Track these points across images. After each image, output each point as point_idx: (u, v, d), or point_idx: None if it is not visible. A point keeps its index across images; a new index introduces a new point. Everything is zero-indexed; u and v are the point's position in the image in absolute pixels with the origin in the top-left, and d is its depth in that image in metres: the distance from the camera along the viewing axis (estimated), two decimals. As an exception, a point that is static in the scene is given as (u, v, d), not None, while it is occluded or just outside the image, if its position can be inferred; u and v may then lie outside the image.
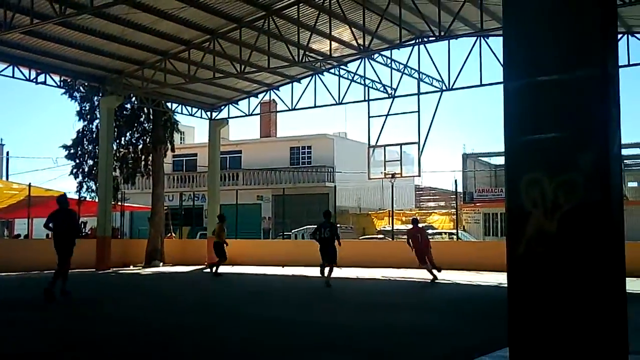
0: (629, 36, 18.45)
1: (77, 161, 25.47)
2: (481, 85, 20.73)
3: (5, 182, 29.11)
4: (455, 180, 25.20)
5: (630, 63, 18.50)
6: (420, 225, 17.21)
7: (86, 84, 23.87)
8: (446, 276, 17.63)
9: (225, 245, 18.11)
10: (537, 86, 3.27)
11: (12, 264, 19.77)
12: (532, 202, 3.15)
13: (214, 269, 18.16)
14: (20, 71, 20.93)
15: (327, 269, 14.37)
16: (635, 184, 42.45)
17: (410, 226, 16.71)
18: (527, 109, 3.31)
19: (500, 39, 3.47)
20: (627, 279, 3.10)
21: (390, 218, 25.97)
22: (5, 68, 20.54)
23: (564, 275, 3.04)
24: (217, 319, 9.37)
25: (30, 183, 23.63)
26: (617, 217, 3.05)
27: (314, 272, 19.16)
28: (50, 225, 11.87)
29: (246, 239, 27.44)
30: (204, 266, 23.73)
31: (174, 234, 29.90)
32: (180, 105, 25.91)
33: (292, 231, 29.70)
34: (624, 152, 32.76)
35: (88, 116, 25.34)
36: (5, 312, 10.03)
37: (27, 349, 6.69)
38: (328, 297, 12.63)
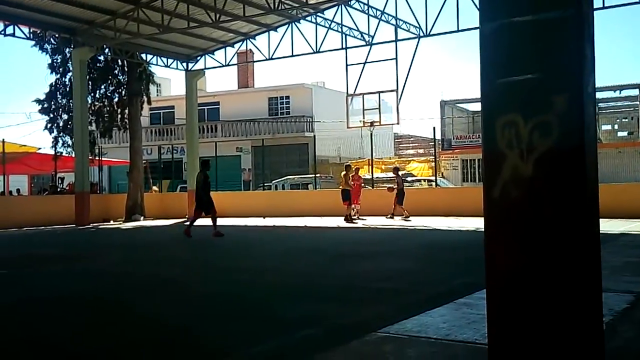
0: (605, -22, 18.28)
1: (51, 115, 25.04)
2: (458, 30, 20.51)
3: (-22, 139, 28.52)
4: (434, 128, 25.16)
5: (605, 5, 18.37)
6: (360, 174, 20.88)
7: (57, 35, 23.23)
8: (425, 222, 17.86)
9: (350, 190, 19.36)
10: (512, 27, 3.21)
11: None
12: (507, 144, 3.13)
13: (349, 216, 19.10)
14: (-12, 23, 20.30)
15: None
16: (608, 127, 42.87)
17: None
18: (502, 51, 3.25)
19: (476, -21, 3.39)
20: (600, 220, 3.13)
21: (370, 167, 26.04)
22: (-29, 20, 19.90)
23: (538, 217, 3.05)
24: (198, 270, 9.40)
25: (3, 139, 23.23)
26: (591, 158, 3.05)
27: (294, 222, 19.32)
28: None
29: (227, 191, 27.40)
30: (186, 219, 23.72)
31: (156, 188, 29.72)
32: (155, 57, 25.38)
33: (273, 182, 29.70)
34: (598, 95, 32.99)
35: (60, 69, 24.79)
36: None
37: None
38: (306, 247, 12.71)
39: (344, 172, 19.90)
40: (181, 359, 4.40)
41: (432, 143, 25.36)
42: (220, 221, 20.94)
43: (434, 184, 23.82)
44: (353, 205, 19.58)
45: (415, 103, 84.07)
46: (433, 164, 25.72)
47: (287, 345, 4.64)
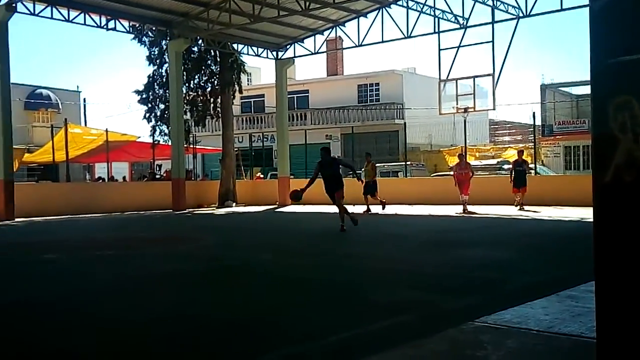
0: None
1: (149, 105, 26.05)
2: (562, 9, 19.52)
3: (84, 128, 30.20)
4: (534, 113, 24.06)
5: None
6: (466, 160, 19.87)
7: (154, 28, 24.13)
8: (524, 212, 17.25)
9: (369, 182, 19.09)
10: (625, 2, 3.00)
11: (94, 206, 20.78)
12: (620, 128, 2.95)
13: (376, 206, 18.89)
14: (91, 18, 21.34)
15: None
16: None
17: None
18: (614, 29, 3.06)
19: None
20: None
21: (464, 155, 25.41)
22: (77, 15, 20.96)
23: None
24: (288, 255, 9.53)
25: (107, 128, 24.47)
26: None
27: (386, 210, 19.22)
28: (319, 174, 13.25)
29: (317, 178, 27.54)
30: (277, 205, 24.15)
31: (260, 174, 30.54)
32: (246, 46, 25.89)
33: (362, 169, 29.61)
34: None
35: (157, 60, 25.74)
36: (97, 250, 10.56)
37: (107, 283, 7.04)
38: (398, 234, 12.60)
39: (365, 163, 19.66)
40: (270, 341, 4.45)
41: (531, 129, 24.44)
42: (307, 208, 21.24)
43: (533, 171, 22.85)
44: (462, 196, 17.92)
45: (512, 87, 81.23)
46: (532, 150, 24.77)
47: (380, 331, 4.59)
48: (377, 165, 29.58)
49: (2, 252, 11.00)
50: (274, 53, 26.43)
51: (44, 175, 29.53)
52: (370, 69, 44.66)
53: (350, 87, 39.32)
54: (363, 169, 19.98)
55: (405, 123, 28.08)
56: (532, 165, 22.45)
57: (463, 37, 21.80)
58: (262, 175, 30.34)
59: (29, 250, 10.95)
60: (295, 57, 26.65)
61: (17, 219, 18.10)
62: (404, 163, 26.44)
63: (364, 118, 37.20)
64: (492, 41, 20.88)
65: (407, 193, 23.04)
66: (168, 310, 5.60)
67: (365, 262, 8.35)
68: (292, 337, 4.55)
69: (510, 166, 20.16)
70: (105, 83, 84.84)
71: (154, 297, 6.25)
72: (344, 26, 24.85)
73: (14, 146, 19.72)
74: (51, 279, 7.62)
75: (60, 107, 37.05)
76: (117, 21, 22.16)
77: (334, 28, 25.07)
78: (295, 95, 38.72)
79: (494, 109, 23.57)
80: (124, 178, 31.12)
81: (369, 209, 18.75)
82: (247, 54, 26.25)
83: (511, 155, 31.04)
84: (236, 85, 26.31)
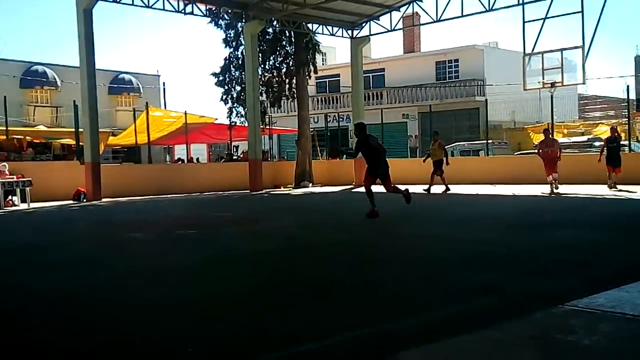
0: None
1: (226, 87, 26.38)
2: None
3: (164, 111, 30.97)
4: (627, 86, 22.46)
5: None
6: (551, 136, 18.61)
7: (230, 11, 24.30)
8: (617, 192, 16.27)
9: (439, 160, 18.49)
10: None
11: (174, 186, 21.32)
12: None
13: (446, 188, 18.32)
14: (170, 3, 21.70)
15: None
16: None
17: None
18: None
19: None
20: None
21: (551, 131, 24.29)
22: (157, 1, 21.35)
23: None
24: (369, 235, 9.33)
25: (186, 111, 24.97)
26: None
27: (465, 189, 18.64)
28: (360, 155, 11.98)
29: (393, 158, 27.17)
30: (353, 185, 23.97)
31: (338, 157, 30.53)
32: (320, 26, 25.66)
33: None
34: None
35: (233, 43, 26.03)
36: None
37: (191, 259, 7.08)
38: (482, 215, 12.15)
39: (432, 143, 18.97)
40: (355, 319, 4.26)
41: (625, 104, 23.02)
42: (381, 188, 20.89)
43: (627, 149, 21.45)
44: (550, 176, 17.04)
45: (604, 60, 76.91)
46: (626, 126, 23.29)
47: (464, 313, 4.33)
48: (457, 144, 28.90)
49: (92, 231, 11.39)
50: (349, 32, 26.09)
51: (127, 157, 30.62)
52: (448, 45, 43.49)
53: (428, 64, 38.44)
54: (430, 147, 19.36)
55: (486, 100, 27.13)
56: (624, 142, 21.00)
57: (550, 7, 20.54)
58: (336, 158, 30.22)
59: (116, 229, 11.33)
60: (370, 35, 26.21)
61: (103, 199, 18.80)
62: (485, 141, 25.61)
63: (442, 96, 36.32)
64: (582, 11, 19.56)
65: (489, 172, 22.33)
66: (263, 282, 5.57)
67: (447, 243, 8.03)
68: (376, 316, 4.37)
69: (602, 143, 18.97)
70: (184, 66, 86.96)
71: (244, 274, 6.23)
72: (421, 1, 24.16)
73: (99, 130, 20.43)
74: (136, 257, 7.78)
75: (141, 91, 38.18)
76: (194, 5, 22.45)
77: (411, 4, 24.42)
78: (370, 74, 38.27)
79: (583, 84, 22.26)
80: (197, 160, 31.77)
81: (447, 188, 18.21)
82: (322, 33, 26.05)
83: (603, 131, 29.33)
84: (311, 66, 26.22)
